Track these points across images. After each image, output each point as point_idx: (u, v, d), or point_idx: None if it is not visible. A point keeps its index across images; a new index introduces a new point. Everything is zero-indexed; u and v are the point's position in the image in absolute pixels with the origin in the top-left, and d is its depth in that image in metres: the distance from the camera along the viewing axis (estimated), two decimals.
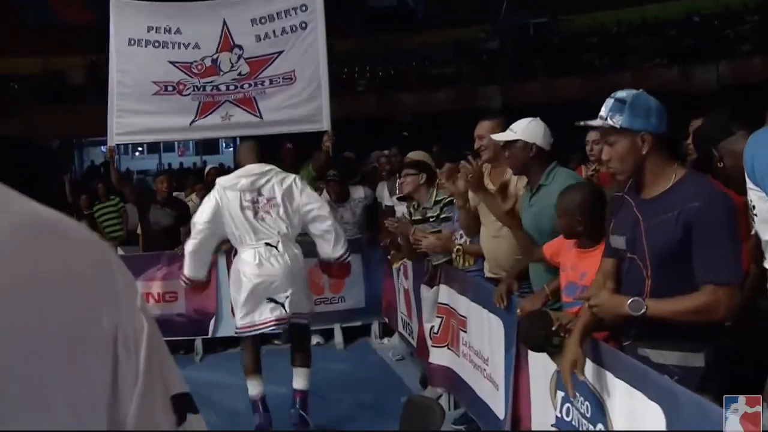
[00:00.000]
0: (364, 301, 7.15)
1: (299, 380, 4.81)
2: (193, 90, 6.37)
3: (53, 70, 14.96)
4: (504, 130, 3.79)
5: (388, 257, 6.46)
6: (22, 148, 15.97)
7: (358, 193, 7.06)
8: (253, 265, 4.61)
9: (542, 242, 3.55)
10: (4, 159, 15.73)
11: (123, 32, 6.25)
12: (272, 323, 4.65)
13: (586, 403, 2.81)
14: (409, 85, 20.12)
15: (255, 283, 4.60)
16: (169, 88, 6.34)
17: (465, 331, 4.47)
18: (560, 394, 3.05)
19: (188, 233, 5.15)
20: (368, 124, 17.61)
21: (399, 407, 5.04)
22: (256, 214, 4.65)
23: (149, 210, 7.04)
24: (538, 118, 3.78)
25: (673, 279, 2.49)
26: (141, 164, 25.13)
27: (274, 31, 6.38)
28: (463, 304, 4.49)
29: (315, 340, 7.02)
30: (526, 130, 3.67)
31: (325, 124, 6.46)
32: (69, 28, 15.45)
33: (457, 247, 4.65)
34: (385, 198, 6.88)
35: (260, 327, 4.67)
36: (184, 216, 6.62)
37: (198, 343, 6.76)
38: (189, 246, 4.88)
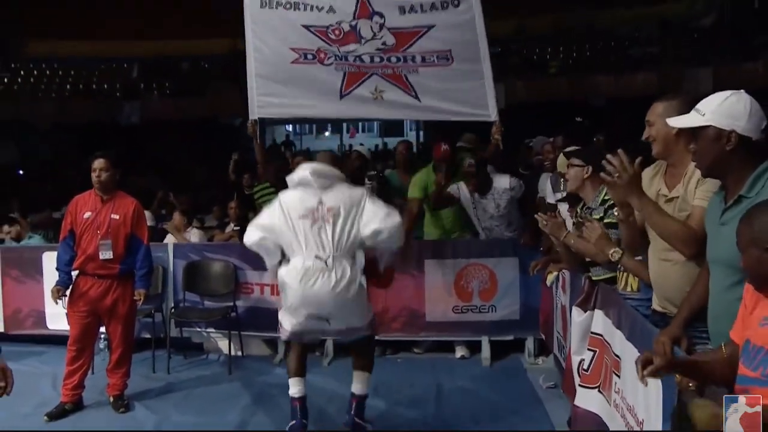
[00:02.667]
0: (519, 312, 6.17)
1: (356, 384, 4.54)
2: (336, 59, 5.89)
3: (239, 50, 15.22)
4: (687, 112, 2.67)
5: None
6: (208, 128, 16.58)
7: (502, 182, 6.00)
8: (296, 279, 4.24)
9: (736, 280, 2.40)
10: (191, 139, 16.44)
11: None
12: (317, 334, 4.56)
13: None
14: (606, 67, 18.32)
15: (297, 298, 4.30)
16: (309, 56, 5.92)
17: (618, 376, 3.42)
18: None
19: None
20: (558, 108, 16.30)
21: None
22: (314, 223, 4.29)
23: None
24: (742, 92, 2.53)
25: None
26: (323, 145, 25.40)
27: (421, 5, 5.80)
28: (618, 340, 3.44)
29: (459, 352, 6.30)
30: (720, 110, 2.49)
31: (492, 113, 5.85)
32: None
33: (614, 249, 3.58)
34: (548, 194, 5.82)
35: (306, 337, 4.50)
36: None
37: (329, 344, 6.13)
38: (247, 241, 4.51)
